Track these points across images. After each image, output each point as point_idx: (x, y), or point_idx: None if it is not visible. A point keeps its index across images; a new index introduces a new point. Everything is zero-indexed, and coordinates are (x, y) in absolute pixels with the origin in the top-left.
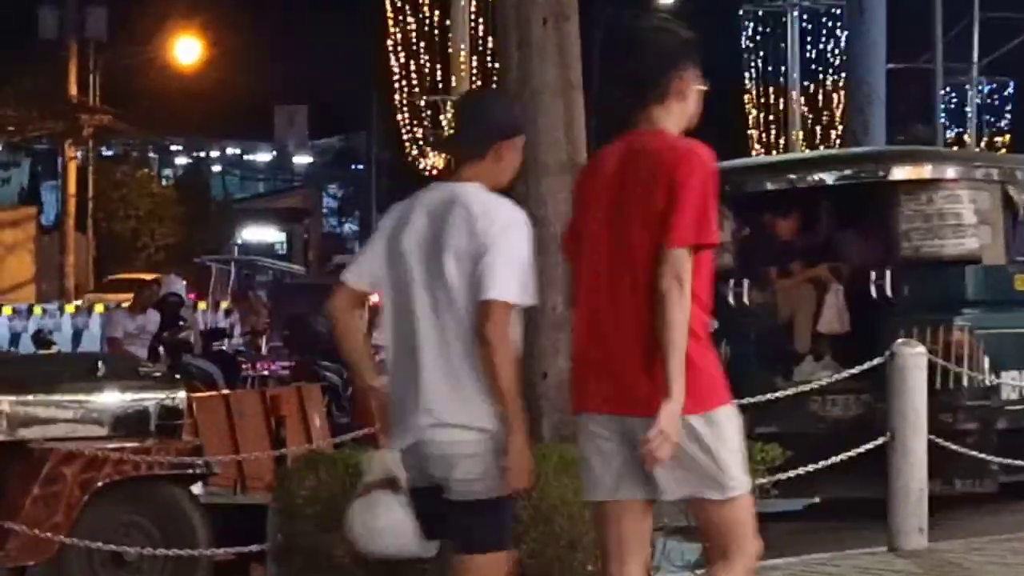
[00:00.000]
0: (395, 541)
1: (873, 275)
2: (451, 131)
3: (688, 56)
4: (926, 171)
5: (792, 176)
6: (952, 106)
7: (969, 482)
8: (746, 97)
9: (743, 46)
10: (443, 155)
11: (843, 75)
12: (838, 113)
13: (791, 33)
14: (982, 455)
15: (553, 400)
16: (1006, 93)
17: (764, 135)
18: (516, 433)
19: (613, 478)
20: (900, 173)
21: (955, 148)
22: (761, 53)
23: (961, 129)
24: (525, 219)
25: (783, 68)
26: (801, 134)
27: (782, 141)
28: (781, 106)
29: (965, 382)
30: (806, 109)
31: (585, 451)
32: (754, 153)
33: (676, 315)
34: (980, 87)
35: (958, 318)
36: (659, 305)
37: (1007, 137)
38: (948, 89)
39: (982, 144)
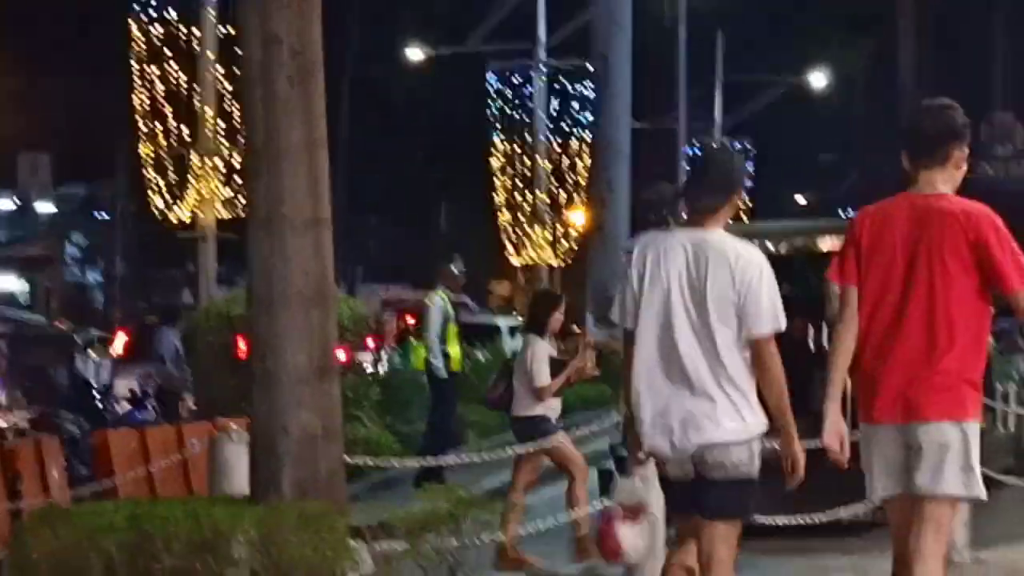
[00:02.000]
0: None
1: (811, 330)
2: (696, 185)
3: (966, 133)
4: (828, 243)
5: None
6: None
7: None
8: (493, 153)
9: (490, 104)
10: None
11: (590, 133)
12: (584, 170)
13: (538, 92)
14: None
15: (295, 455)
16: (747, 153)
17: (511, 192)
18: (793, 436)
19: (889, 477)
20: (828, 244)
21: None
22: (508, 111)
23: None
24: (764, 257)
25: (530, 125)
26: (548, 191)
27: (529, 197)
28: (528, 162)
29: None
30: (552, 166)
31: (871, 452)
32: (501, 209)
33: None
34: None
35: None
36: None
37: (748, 200)
38: (692, 148)
39: None
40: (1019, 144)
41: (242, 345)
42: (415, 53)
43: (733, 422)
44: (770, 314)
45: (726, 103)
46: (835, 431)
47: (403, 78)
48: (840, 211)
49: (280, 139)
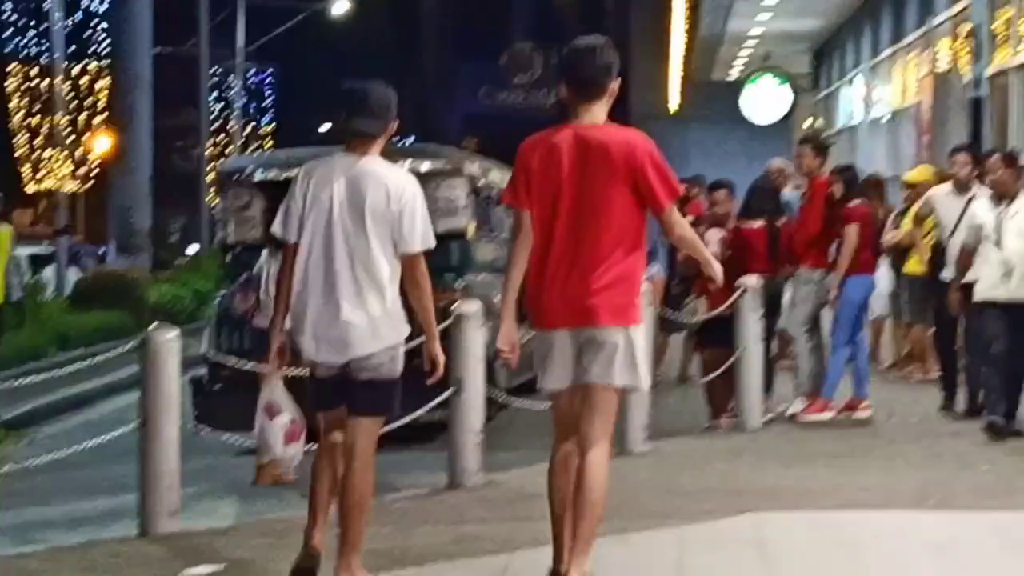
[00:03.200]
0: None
1: None
2: (355, 115)
3: (617, 66)
4: (427, 165)
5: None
6: (220, 91)
7: None
8: (8, 76)
9: (3, 24)
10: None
11: (109, 59)
12: (105, 95)
13: (53, 12)
14: None
15: None
16: (269, 78)
17: (28, 118)
18: (435, 339)
19: (563, 372)
20: (407, 167)
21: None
22: (24, 32)
23: (228, 112)
24: (416, 181)
25: (43, 46)
26: (66, 118)
27: (46, 124)
28: (45, 88)
29: None
30: (71, 92)
31: (546, 354)
32: (17, 137)
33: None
34: (246, 73)
35: (457, 280)
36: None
37: (270, 127)
38: (216, 74)
39: (247, 128)
40: (537, 72)
41: None
42: None
43: (382, 333)
44: (421, 233)
45: (250, 28)
46: (507, 338)
47: None
48: None
49: None
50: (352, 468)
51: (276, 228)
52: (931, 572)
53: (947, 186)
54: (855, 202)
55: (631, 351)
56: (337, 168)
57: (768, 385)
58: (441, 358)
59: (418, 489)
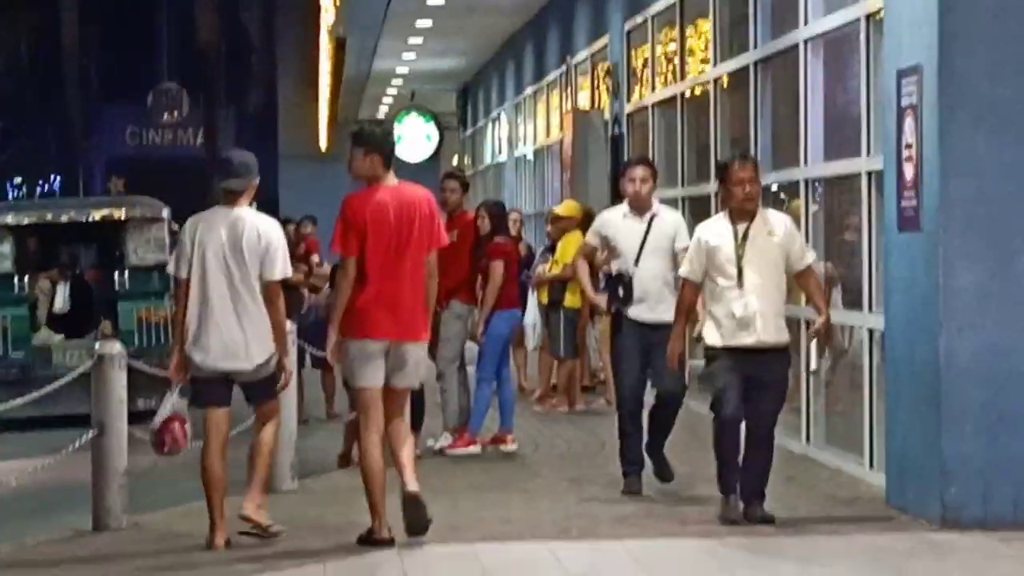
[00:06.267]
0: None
1: (111, 274)
2: (226, 175)
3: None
4: (138, 211)
5: (40, 213)
6: None
7: None
8: None
9: None
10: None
11: None
12: None
13: None
14: None
15: None
16: None
17: None
18: (286, 353)
19: (379, 376)
20: (122, 214)
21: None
22: None
23: None
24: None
25: None
26: None
27: None
28: None
29: None
30: None
31: (366, 360)
32: None
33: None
34: None
35: (164, 299)
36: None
37: None
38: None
39: None
40: (185, 111)
41: None
42: None
43: (267, 344)
44: (281, 265)
45: None
46: (335, 347)
47: None
48: (4, 179)
49: None
50: (266, 430)
51: (170, 268)
52: None
53: (621, 208)
54: (499, 238)
55: (425, 361)
56: (218, 218)
57: (418, 421)
58: (291, 368)
59: (62, 532)
